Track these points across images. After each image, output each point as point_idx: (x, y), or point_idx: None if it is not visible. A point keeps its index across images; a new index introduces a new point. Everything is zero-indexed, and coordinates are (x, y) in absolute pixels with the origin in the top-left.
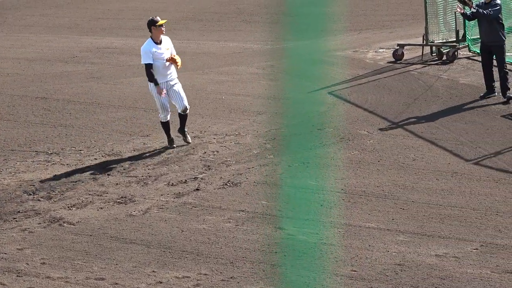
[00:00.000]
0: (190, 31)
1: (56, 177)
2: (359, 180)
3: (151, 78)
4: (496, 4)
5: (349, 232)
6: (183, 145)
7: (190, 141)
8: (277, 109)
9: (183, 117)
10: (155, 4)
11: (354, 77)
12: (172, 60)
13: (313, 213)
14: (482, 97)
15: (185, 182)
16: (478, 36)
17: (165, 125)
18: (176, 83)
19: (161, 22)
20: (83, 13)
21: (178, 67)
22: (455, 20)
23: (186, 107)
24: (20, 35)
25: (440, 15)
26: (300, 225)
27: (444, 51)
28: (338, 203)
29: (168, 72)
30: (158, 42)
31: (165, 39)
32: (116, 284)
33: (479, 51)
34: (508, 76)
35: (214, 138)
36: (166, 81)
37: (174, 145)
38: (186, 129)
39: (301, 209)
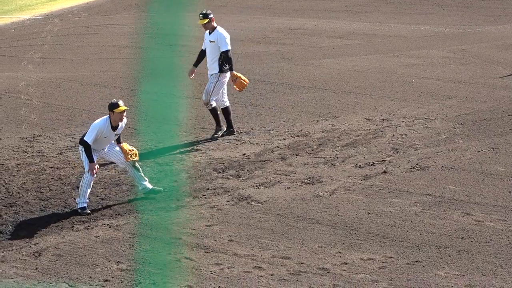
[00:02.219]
0: (381, 13)
1: (245, 156)
2: None
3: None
4: None
5: None
6: (370, 128)
7: None
8: (468, 93)
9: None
10: None
11: None
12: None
13: (502, 200)
14: None
15: (373, 164)
16: None
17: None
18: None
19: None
20: None
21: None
22: None
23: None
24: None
25: None
26: (488, 211)
27: None
28: None
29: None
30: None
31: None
32: (301, 263)
33: None
34: None
35: (403, 121)
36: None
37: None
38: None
39: (489, 195)
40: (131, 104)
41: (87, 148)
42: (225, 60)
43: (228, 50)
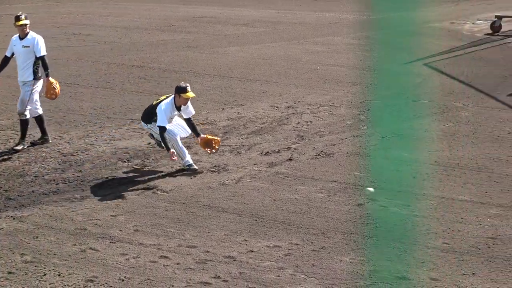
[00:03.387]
0: (286, 1)
1: (150, 145)
2: (453, 152)
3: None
4: None
5: (441, 205)
6: (275, 116)
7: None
8: (372, 80)
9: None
10: None
11: (450, 49)
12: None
13: (406, 185)
14: None
15: (278, 152)
16: None
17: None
18: None
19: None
20: None
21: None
22: None
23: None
24: (118, 4)
25: None
26: (392, 196)
27: None
28: (431, 175)
29: None
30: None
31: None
32: (207, 252)
33: None
34: None
35: (308, 109)
36: None
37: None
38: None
39: (394, 180)
40: None
41: (163, 131)
42: (42, 66)
43: (45, 55)
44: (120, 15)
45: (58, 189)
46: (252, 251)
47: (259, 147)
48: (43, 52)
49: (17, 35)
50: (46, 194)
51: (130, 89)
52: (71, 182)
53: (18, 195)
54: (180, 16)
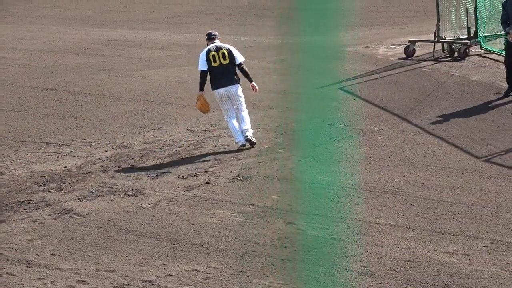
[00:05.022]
0: (201, 24)
1: (66, 169)
2: (370, 175)
3: None
4: None
5: (359, 228)
6: (192, 139)
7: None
8: (288, 103)
9: None
10: None
11: (365, 72)
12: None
13: (323, 208)
14: (505, 95)
15: (196, 175)
16: (490, 34)
17: None
18: None
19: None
20: (94, 6)
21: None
22: (467, 17)
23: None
24: (32, 27)
25: (452, 12)
26: (310, 220)
27: (455, 48)
28: (348, 198)
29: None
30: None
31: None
32: (126, 276)
33: (492, 49)
34: None
35: (225, 132)
36: None
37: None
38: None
39: (311, 204)
40: None
41: (201, 76)
42: None
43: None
44: (34, 38)
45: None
46: (170, 275)
47: (176, 170)
48: None
49: None
50: None
51: (46, 113)
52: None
53: None
54: (95, 39)
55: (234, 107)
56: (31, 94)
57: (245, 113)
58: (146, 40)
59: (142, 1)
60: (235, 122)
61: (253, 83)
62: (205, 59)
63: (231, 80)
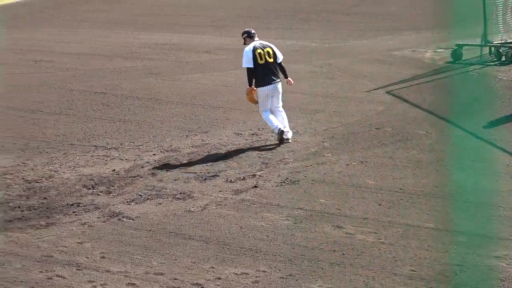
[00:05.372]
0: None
1: (115, 172)
2: (418, 180)
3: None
4: None
5: (407, 232)
6: (239, 143)
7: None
8: (335, 107)
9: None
10: (212, 1)
11: (412, 76)
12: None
13: (372, 212)
14: None
15: (244, 179)
16: None
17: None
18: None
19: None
20: (140, 9)
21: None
22: None
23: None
24: (79, 31)
25: (500, 15)
26: (358, 224)
27: (503, 52)
28: (397, 202)
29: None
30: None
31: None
32: (175, 279)
33: None
34: None
35: (272, 136)
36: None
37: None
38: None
39: (360, 208)
40: None
41: (248, 72)
42: None
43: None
44: (81, 41)
45: (23, 216)
46: (219, 278)
47: (224, 174)
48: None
49: None
50: (10, 221)
51: (94, 116)
52: (36, 209)
53: None
54: (142, 43)
55: (271, 102)
56: (79, 97)
57: (283, 113)
58: (193, 44)
59: (188, 5)
60: (270, 114)
61: (289, 78)
62: (251, 56)
63: (277, 77)
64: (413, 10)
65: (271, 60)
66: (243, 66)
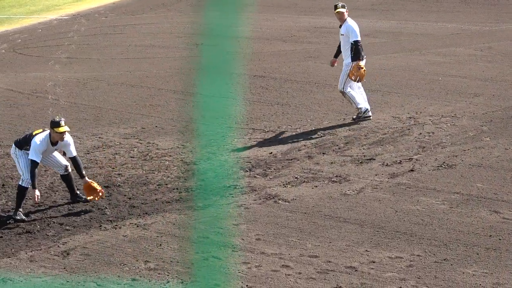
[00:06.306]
0: (408, 11)
1: (272, 155)
2: None
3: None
4: None
5: None
6: (397, 127)
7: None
8: (495, 91)
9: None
10: None
11: None
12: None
13: None
14: None
15: (400, 162)
16: None
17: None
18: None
19: (62, 129)
20: None
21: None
22: None
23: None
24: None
25: None
26: None
27: None
28: None
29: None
30: (54, 143)
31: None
32: (329, 262)
33: None
34: None
35: (430, 119)
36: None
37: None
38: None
39: None
40: (156, 103)
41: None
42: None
43: (357, 41)
44: (241, 25)
45: (180, 198)
46: (373, 262)
47: (381, 157)
48: (355, 37)
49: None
50: (169, 202)
51: (252, 99)
52: (193, 190)
53: (142, 203)
54: (302, 27)
55: None
56: (238, 80)
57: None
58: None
59: None
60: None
61: None
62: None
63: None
64: None
65: None
66: (358, 38)
